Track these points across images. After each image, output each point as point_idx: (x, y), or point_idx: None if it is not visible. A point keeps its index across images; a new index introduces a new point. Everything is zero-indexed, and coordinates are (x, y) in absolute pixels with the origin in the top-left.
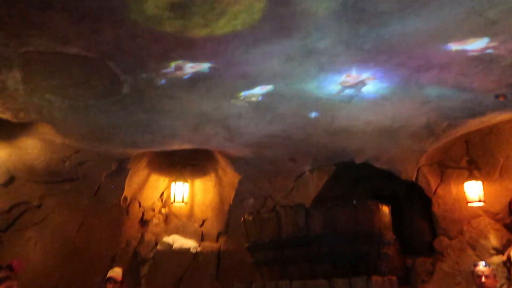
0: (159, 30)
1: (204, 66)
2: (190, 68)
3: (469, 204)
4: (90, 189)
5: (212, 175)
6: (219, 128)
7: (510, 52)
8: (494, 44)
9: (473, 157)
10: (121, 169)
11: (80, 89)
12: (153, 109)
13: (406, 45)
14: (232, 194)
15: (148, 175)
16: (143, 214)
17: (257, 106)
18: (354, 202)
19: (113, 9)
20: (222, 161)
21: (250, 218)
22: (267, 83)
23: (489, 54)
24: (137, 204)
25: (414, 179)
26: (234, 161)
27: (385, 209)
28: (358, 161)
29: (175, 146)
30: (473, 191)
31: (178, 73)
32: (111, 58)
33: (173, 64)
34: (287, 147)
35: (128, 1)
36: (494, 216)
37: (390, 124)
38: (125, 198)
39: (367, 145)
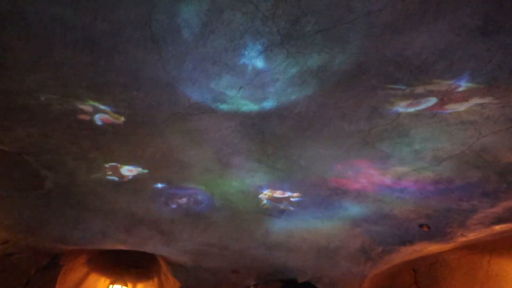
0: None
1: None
2: (127, 171)
3: None
4: (18, 282)
5: (155, 280)
6: (153, 232)
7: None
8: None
9: (420, 286)
10: (54, 264)
11: (1, 179)
12: (79, 205)
13: (315, 167)
14: None
15: (87, 274)
16: None
17: (188, 213)
18: None
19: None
20: (163, 266)
21: None
22: (192, 191)
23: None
24: None
25: None
26: (174, 267)
27: None
28: (300, 280)
29: (108, 246)
30: None
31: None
32: (28, 153)
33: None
34: (226, 257)
35: (35, 106)
36: None
37: (326, 244)
38: None
39: (307, 263)
